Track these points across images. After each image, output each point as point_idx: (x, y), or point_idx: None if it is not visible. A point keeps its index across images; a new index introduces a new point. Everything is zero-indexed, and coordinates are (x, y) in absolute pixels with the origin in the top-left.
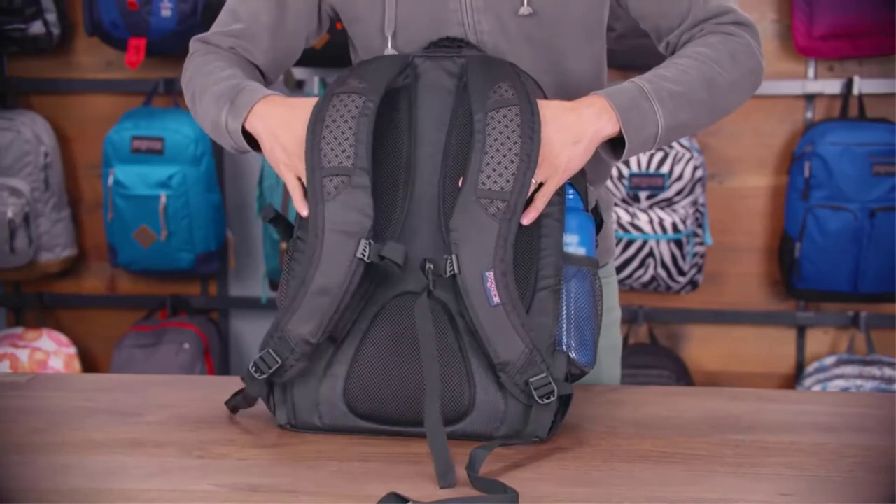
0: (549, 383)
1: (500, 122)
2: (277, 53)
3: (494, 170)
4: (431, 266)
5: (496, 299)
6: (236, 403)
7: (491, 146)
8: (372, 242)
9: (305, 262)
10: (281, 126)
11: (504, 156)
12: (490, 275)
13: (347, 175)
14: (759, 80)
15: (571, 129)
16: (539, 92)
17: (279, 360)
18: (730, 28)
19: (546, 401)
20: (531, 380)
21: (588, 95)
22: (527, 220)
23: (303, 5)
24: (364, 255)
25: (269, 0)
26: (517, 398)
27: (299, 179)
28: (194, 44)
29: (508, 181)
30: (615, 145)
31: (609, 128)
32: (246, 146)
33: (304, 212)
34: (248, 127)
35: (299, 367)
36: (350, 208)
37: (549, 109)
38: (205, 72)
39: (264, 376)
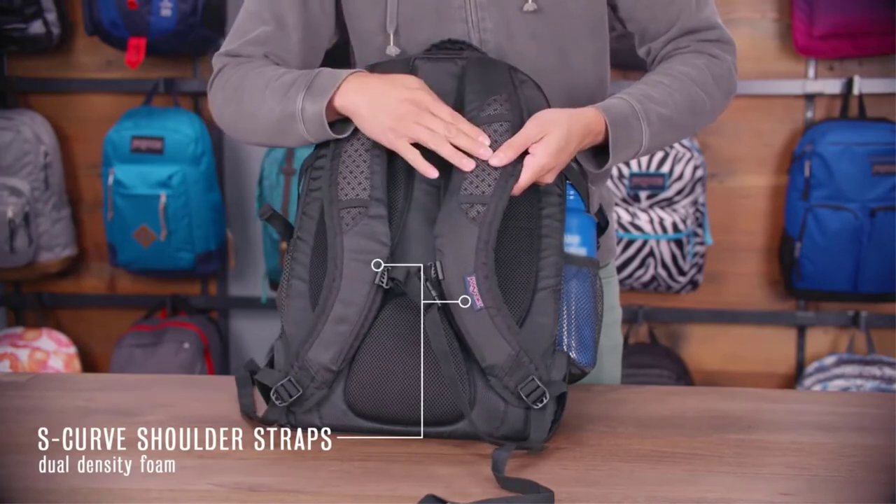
0: (539, 387)
1: (490, 136)
2: (307, 54)
3: (477, 176)
4: (422, 275)
5: (479, 303)
6: (274, 416)
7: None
8: (389, 268)
9: (325, 290)
10: (382, 95)
11: (489, 164)
12: (472, 279)
13: (364, 206)
14: (731, 99)
15: (566, 112)
16: (540, 95)
17: (300, 389)
18: (714, 49)
19: (539, 405)
20: (520, 386)
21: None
22: (517, 189)
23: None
24: (382, 283)
25: (291, 1)
26: (509, 402)
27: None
28: (220, 59)
29: (490, 186)
30: (594, 154)
31: (597, 136)
32: (327, 130)
33: (433, 174)
34: (337, 105)
35: (320, 395)
36: (367, 238)
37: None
38: (252, 76)
39: (285, 404)
